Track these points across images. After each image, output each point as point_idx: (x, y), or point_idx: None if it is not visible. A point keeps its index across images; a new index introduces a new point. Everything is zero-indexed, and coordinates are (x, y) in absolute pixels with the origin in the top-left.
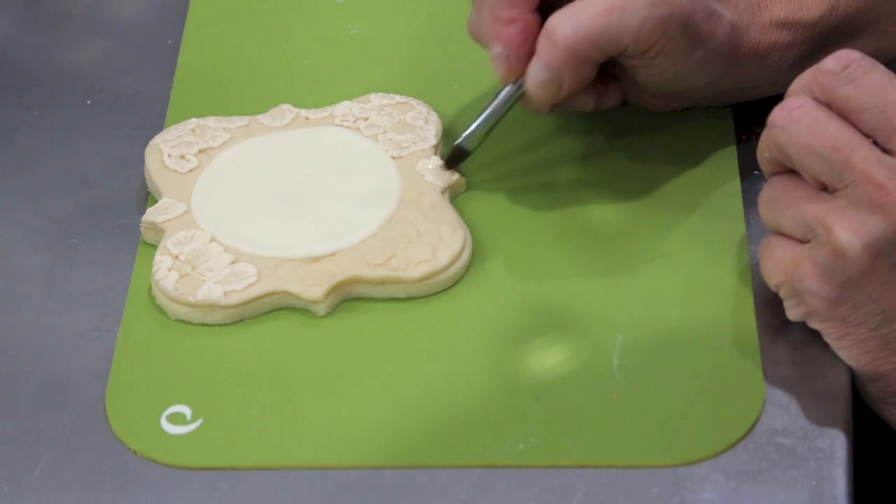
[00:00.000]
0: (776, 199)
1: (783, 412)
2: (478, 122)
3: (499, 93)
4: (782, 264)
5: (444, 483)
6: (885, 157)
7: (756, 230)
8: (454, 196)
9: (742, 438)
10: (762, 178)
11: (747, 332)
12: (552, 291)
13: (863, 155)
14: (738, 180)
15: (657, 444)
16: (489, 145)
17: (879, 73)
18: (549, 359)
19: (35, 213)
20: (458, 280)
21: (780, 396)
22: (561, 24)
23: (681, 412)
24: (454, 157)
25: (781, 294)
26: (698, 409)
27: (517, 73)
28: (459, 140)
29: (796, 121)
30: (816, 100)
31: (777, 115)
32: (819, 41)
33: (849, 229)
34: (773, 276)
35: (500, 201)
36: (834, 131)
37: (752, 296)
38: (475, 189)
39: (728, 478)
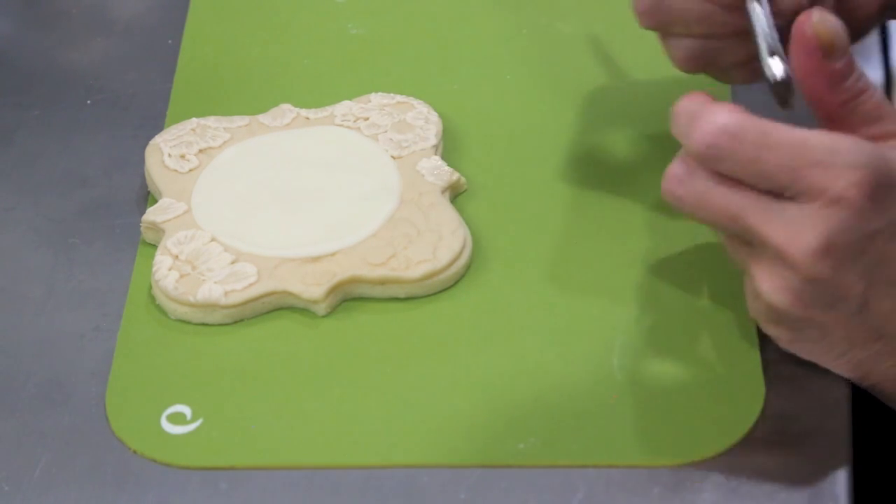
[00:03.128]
0: (726, 246)
1: (783, 412)
2: (768, 45)
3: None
4: (749, 303)
5: (444, 483)
6: (776, 210)
7: None
8: (454, 196)
9: (742, 438)
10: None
11: (747, 332)
12: (552, 291)
13: (753, 219)
14: None
15: (657, 444)
16: (489, 145)
17: (747, 136)
18: (549, 359)
19: (35, 213)
20: (458, 280)
21: (780, 396)
22: None
23: (681, 412)
24: (783, 93)
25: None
26: (698, 409)
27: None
28: (778, 75)
29: (680, 199)
30: (693, 167)
31: (664, 193)
32: None
33: (771, 287)
34: (749, 310)
35: (500, 201)
36: (719, 202)
37: None
38: (475, 189)
39: (728, 478)
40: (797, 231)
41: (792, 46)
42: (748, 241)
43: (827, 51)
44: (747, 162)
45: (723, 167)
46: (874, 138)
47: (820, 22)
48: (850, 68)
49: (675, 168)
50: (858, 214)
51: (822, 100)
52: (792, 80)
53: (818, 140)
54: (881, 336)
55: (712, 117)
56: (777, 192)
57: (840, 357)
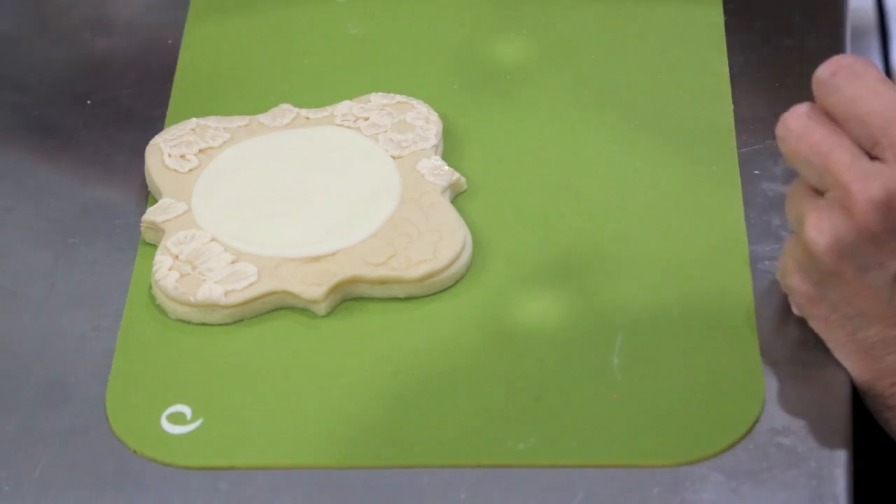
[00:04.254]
0: (789, 197)
1: (783, 412)
2: None
3: None
4: (782, 259)
5: (444, 483)
6: (861, 160)
7: (756, 230)
8: (454, 196)
9: (742, 438)
10: (762, 178)
11: (747, 332)
12: (552, 291)
13: (837, 159)
14: (738, 180)
15: (657, 444)
16: (489, 145)
17: (865, 80)
18: (548, 359)
19: (35, 213)
20: (458, 280)
21: (780, 396)
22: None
23: (681, 412)
24: None
25: (783, 288)
26: (698, 409)
27: None
28: None
29: (789, 129)
30: (813, 107)
31: (778, 126)
32: None
33: (817, 227)
34: (777, 270)
35: (500, 201)
36: (818, 138)
37: (752, 295)
38: (475, 189)
39: (728, 478)
40: (869, 179)
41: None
42: (818, 190)
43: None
44: (855, 98)
45: (834, 98)
46: None
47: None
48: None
49: (802, 106)
50: None
51: None
52: None
53: None
54: None
55: (846, 56)
56: (870, 147)
57: (852, 335)
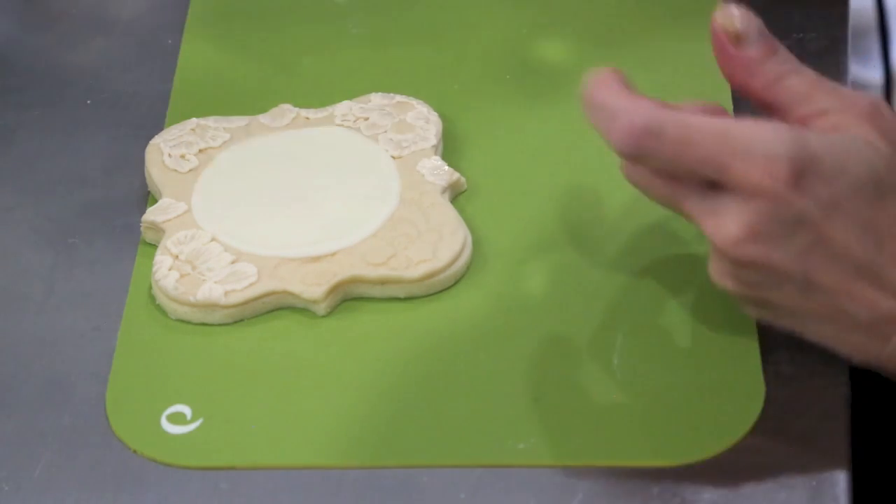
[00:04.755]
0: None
1: (783, 412)
2: None
3: None
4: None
5: (444, 483)
6: (711, 199)
7: None
8: (454, 196)
9: (742, 438)
10: None
11: (747, 332)
12: (552, 291)
13: (691, 207)
14: None
15: (657, 444)
16: (489, 145)
17: (667, 135)
18: (548, 359)
19: (35, 213)
20: (458, 280)
21: (780, 396)
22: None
23: (681, 412)
24: None
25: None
26: (698, 409)
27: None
28: None
29: (635, 184)
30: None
31: (623, 170)
32: None
33: (714, 272)
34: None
35: (500, 201)
36: (662, 190)
37: None
38: (475, 189)
39: (728, 478)
40: (723, 220)
41: (713, 43)
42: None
43: (736, 40)
44: (672, 159)
45: (650, 164)
46: (806, 118)
47: (721, 15)
48: (768, 53)
49: (628, 165)
50: (778, 202)
51: (747, 87)
52: None
53: (739, 130)
54: (841, 310)
55: (630, 117)
56: (710, 181)
57: (837, 337)
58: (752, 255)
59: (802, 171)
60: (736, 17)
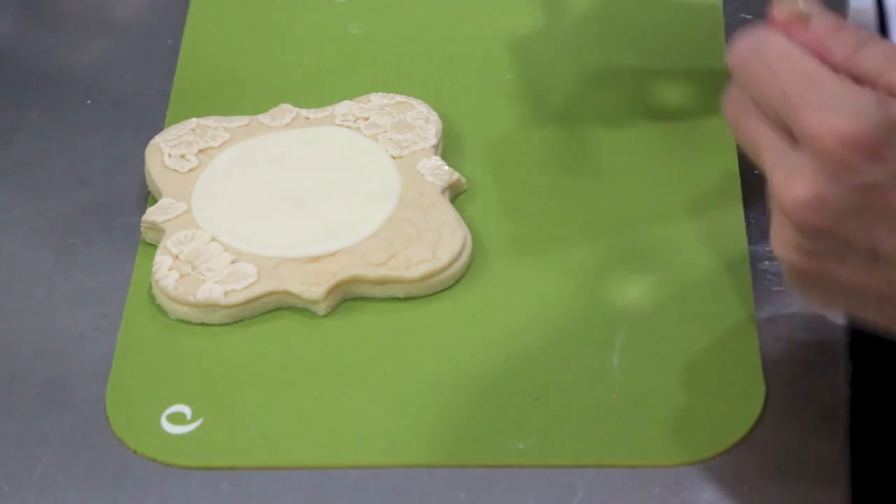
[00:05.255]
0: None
1: (783, 412)
2: None
3: None
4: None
5: (444, 483)
6: (786, 152)
7: (756, 230)
8: (454, 196)
9: (742, 438)
10: (762, 178)
11: (747, 332)
12: (552, 291)
13: (767, 156)
14: (738, 181)
15: (657, 444)
16: (489, 145)
17: (764, 56)
18: (549, 358)
19: (35, 213)
20: (458, 280)
21: (780, 396)
22: None
23: (681, 412)
24: None
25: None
26: (698, 409)
27: None
28: None
29: (727, 117)
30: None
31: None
32: None
33: (775, 240)
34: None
35: (500, 201)
36: (747, 129)
37: (752, 295)
38: (475, 189)
39: (728, 478)
40: (792, 179)
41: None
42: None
43: (803, 22)
44: (756, 80)
45: (742, 82)
46: (891, 85)
47: (779, 6)
48: (837, 26)
49: (733, 91)
50: (849, 168)
51: (827, 65)
52: None
53: (826, 79)
54: None
55: (752, 33)
56: (790, 131)
57: (880, 312)
58: (817, 220)
59: (879, 140)
60: (797, 1)
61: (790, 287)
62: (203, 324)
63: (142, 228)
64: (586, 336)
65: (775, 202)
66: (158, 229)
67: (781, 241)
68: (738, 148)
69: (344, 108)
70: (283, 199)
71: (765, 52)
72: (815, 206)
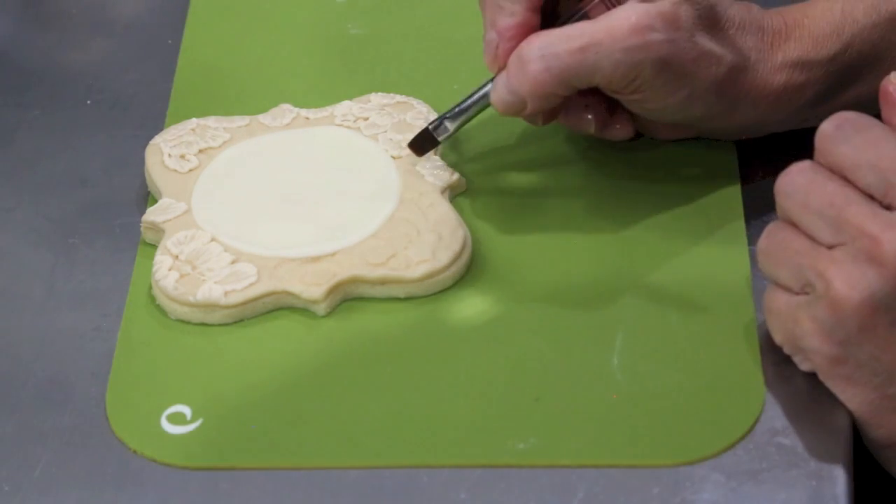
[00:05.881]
0: (775, 249)
1: (783, 412)
2: (454, 110)
3: (482, 86)
4: (782, 320)
5: (444, 483)
6: (881, 211)
7: (756, 230)
8: (454, 196)
9: (742, 438)
10: (762, 178)
11: (747, 332)
12: (552, 291)
13: (856, 210)
14: (738, 181)
15: (657, 444)
16: (489, 145)
17: (873, 129)
18: (549, 359)
19: (35, 213)
20: (458, 280)
21: (780, 396)
22: (533, 54)
23: (681, 412)
24: (423, 142)
25: (786, 350)
26: (698, 409)
27: (501, 65)
28: (430, 124)
29: (796, 184)
30: (818, 163)
31: (780, 181)
32: (835, 79)
33: (846, 282)
34: (776, 332)
35: (500, 201)
36: (830, 189)
37: (752, 296)
38: (475, 189)
39: (728, 478)
40: (893, 227)
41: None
42: (831, 242)
43: None
44: (863, 146)
45: (843, 148)
46: None
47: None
48: None
49: (804, 163)
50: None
51: None
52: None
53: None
54: None
55: (849, 112)
56: (881, 195)
57: (877, 389)
58: (867, 323)
59: None
60: None
61: (810, 347)
62: (203, 324)
63: (142, 228)
64: (586, 336)
65: (861, 250)
66: (158, 229)
67: (856, 282)
68: (739, 150)
69: (344, 108)
70: (283, 199)
71: (873, 127)
72: (866, 306)
